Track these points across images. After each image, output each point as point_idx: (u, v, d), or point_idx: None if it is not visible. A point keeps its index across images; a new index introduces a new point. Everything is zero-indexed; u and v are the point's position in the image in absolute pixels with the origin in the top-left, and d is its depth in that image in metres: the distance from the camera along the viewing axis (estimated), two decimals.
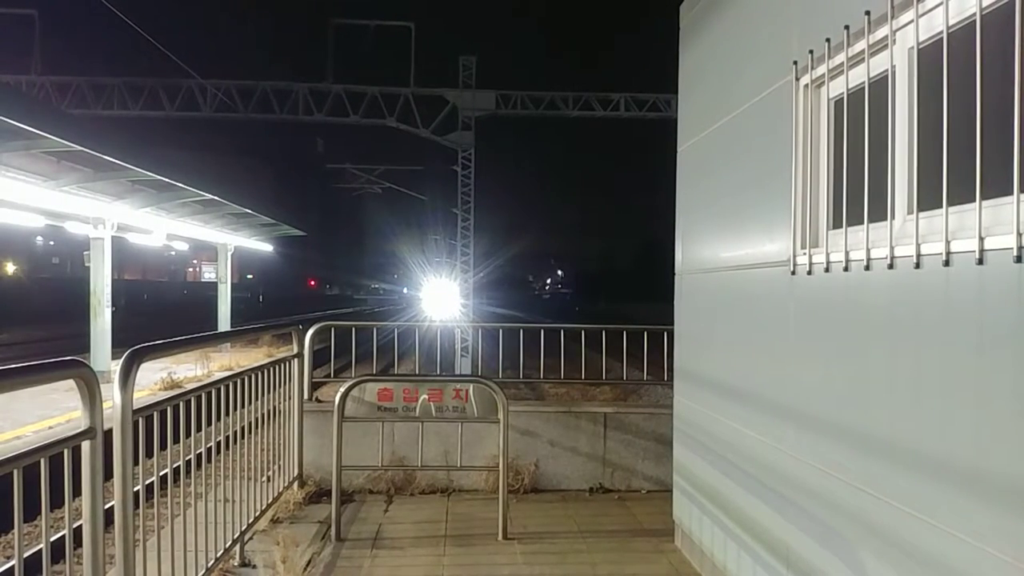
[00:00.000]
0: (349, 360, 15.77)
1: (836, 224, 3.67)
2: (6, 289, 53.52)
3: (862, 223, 3.26)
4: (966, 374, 2.59)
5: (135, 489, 3.63)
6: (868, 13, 3.20)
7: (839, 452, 3.42)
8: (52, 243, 69.34)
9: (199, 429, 4.51)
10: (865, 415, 3.23)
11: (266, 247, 30.66)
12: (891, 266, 3.02)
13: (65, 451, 3.08)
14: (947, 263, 2.66)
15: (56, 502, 3.03)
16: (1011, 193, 2.35)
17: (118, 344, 14.04)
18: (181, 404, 4.30)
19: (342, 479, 6.29)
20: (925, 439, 2.79)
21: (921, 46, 2.94)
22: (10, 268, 62.52)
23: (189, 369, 16.54)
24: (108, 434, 3.36)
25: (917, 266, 2.83)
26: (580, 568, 5.58)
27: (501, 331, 9.30)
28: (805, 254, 3.80)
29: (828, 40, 3.57)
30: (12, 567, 2.83)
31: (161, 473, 4.20)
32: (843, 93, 3.53)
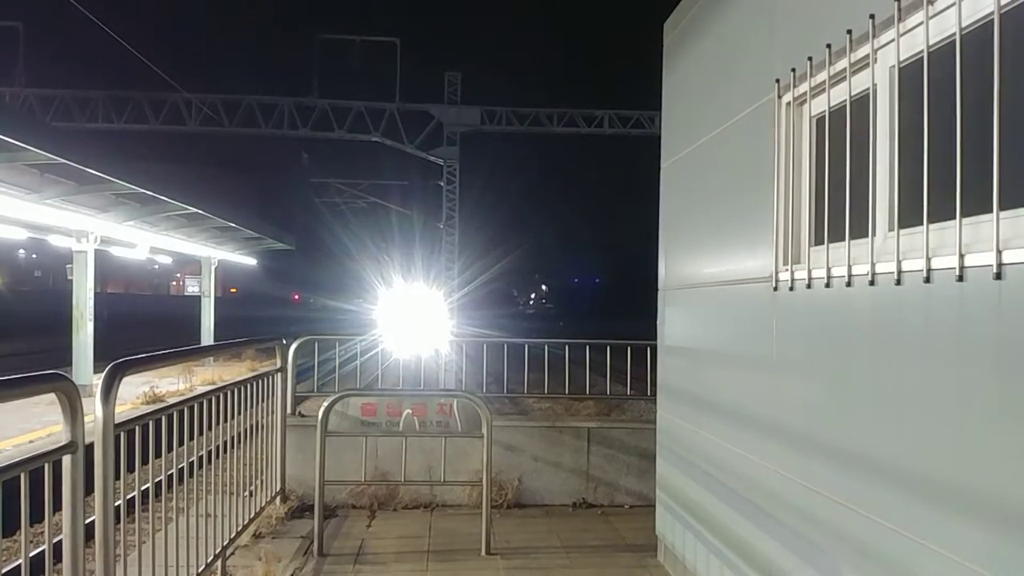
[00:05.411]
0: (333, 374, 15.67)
1: (818, 241, 3.70)
2: None
3: (843, 240, 3.28)
4: (947, 390, 2.61)
5: (116, 504, 3.61)
6: (850, 32, 3.24)
7: (821, 467, 3.44)
8: (35, 256, 68.87)
9: (181, 443, 4.49)
10: (847, 430, 3.25)
11: (250, 261, 30.56)
12: (872, 283, 3.04)
13: (46, 465, 3.06)
14: (928, 280, 2.68)
15: (36, 517, 3.01)
16: (991, 210, 2.37)
17: (101, 357, 13.94)
18: (163, 418, 4.28)
19: (325, 494, 6.26)
20: (907, 454, 2.81)
21: (902, 65, 2.97)
22: None
23: (172, 383, 16.45)
24: (89, 448, 3.34)
25: (898, 283, 2.86)
26: None
27: (485, 346, 9.32)
28: (787, 270, 3.82)
29: (810, 59, 3.61)
30: None
31: (143, 488, 4.18)
32: (825, 111, 3.57)
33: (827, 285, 3.41)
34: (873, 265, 3.03)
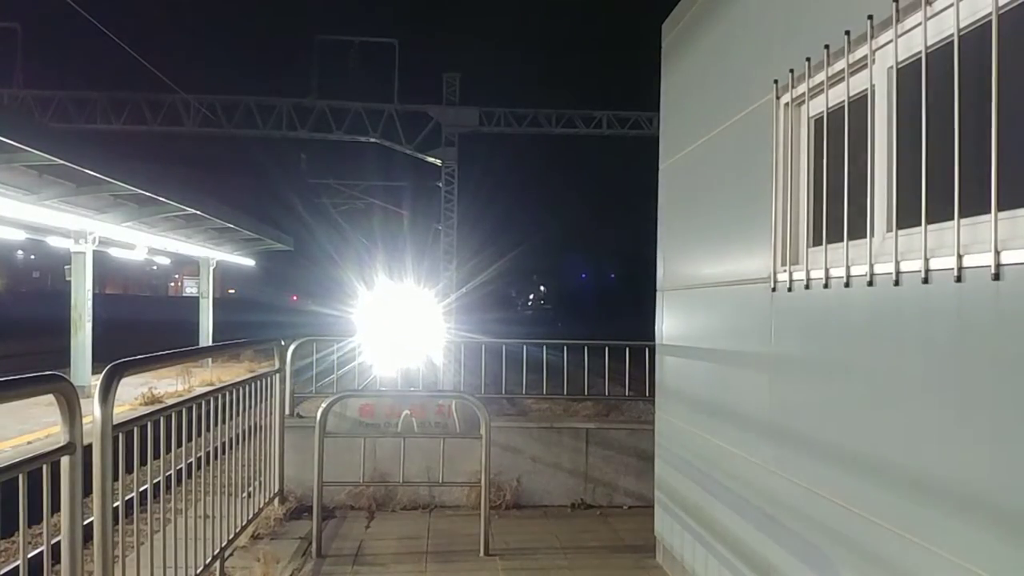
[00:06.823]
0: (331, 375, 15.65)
1: (816, 241, 3.70)
2: None
3: (842, 240, 3.28)
4: (945, 391, 2.61)
5: (115, 505, 3.60)
6: (848, 33, 3.24)
7: (820, 468, 3.44)
8: (33, 257, 68.96)
9: (180, 444, 4.48)
10: (846, 431, 3.25)
11: (248, 262, 30.52)
12: (871, 283, 3.04)
13: (44, 467, 3.06)
14: (926, 280, 2.68)
15: (35, 518, 3.01)
16: (989, 211, 2.37)
17: (99, 359, 13.92)
18: (162, 419, 4.28)
19: (323, 495, 6.25)
20: (905, 455, 2.81)
21: (900, 65, 2.97)
22: None
23: (170, 384, 16.43)
24: (88, 449, 3.33)
25: (896, 283, 2.86)
26: None
27: (484, 347, 9.32)
28: (785, 271, 3.82)
29: (808, 59, 3.61)
30: None
31: (141, 489, 4.17)
32: (823, 112, 3.57)
33: (825, 286, 3.41)
34: (871, 266, 3.03)
